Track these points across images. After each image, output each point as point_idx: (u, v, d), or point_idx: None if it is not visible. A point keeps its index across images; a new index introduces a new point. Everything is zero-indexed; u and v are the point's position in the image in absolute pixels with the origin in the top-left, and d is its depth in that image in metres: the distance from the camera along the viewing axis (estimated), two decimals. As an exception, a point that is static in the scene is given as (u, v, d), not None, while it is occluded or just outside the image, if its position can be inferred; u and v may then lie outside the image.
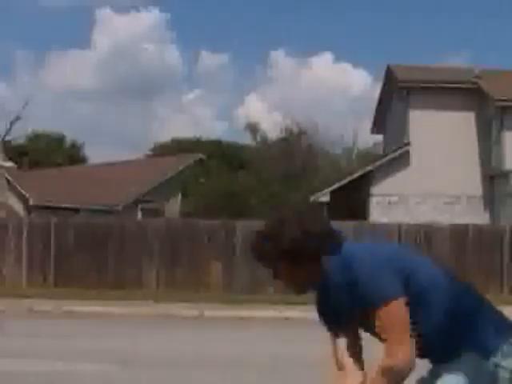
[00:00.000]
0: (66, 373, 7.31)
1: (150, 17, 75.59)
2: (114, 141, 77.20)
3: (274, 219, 2.56)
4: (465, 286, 2.71)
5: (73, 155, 47.98)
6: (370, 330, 2.52)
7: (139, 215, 27.24)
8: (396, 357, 2.39)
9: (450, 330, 2.52)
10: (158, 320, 12.20)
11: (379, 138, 29.93)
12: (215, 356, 8.40)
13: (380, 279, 2.41)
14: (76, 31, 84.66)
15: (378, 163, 21.96)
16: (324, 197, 21.12)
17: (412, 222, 17.00)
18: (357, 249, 2.56)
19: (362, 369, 2.64)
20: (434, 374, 2.58)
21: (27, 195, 28.46)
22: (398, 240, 16.07)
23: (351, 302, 2.49)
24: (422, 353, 2.51)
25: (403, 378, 2.43)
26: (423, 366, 2.63)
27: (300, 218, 2.53)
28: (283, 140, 35.06)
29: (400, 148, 21.89)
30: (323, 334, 2.77)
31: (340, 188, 20.98)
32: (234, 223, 16.03)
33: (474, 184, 21.34)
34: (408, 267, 2.52)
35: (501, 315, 2.67)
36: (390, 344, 2.41)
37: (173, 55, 78.20)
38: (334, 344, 2.67)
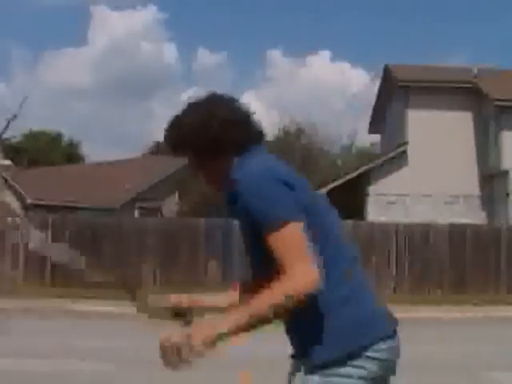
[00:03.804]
0: (63, 372, 7.28)
1: (148, 15, 75.66)
2: (112, 139, 77.23)
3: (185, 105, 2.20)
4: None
5: (70, 154, 47.95)
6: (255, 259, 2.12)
7: (137, 214, 27.22)
8: (293, 274, 1.87)
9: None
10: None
11: (377, 137, 29.95)
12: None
13: (271, 197, 1.95)
14: (73, 29, 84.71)
15: (375, 162, 21.96)
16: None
17: (409, 222, 17.00)
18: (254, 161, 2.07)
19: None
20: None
21: (25, 194, 28.40)
22: (395, 239, 16.09)
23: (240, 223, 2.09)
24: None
25: (288, 306, 1.90)
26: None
27: (211, 102, 2.16)
28: (281, 139, 35.04)
29: (398, 147, 21.90)
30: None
31: (338, 187, 20.97)
32: (230, 222, 16.00)
33: (471, 184, 21.35)
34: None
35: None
36: (285, 262, 1.90)
37: (171, 53, 78.30)
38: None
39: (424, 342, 9.50)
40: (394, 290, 15.80)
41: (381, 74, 24.65)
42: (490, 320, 12.66)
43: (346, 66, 77.29)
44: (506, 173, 20.12)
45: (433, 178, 20.71)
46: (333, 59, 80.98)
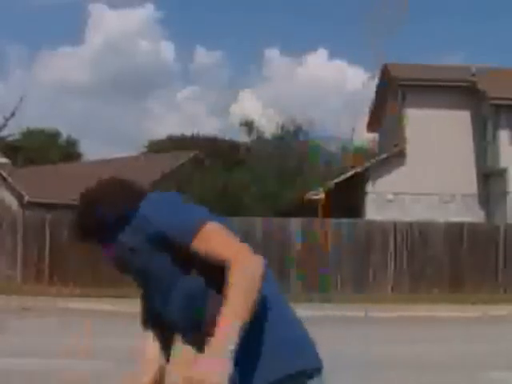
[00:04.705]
0: (61, 370, 7.27)
1: (146, 13, 75.57)
2: (109, 138, 77.13)
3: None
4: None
5: (68, 152, 47.88)
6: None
7: (134, 212, 27.13)
8: (242, 257, 1.79)
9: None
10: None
11: (375, 135, 29.93)
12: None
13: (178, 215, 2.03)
14: (70, 28, 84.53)
15: (373, 161, 21.96)
16: (319, 195, 21.13)
17: (407, 220, 16.99)
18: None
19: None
20: None
21: (22, 192, 28.36)
22: (393, 238, 16.09)
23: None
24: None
25: (257, 287, 1.74)
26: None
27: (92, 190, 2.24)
28: (279, 138, 35.04)
29: (395, 146, 21.90)
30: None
31: (336, 186, 20.96)
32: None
33: (469, 182, 21.36)
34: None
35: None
36: (227, 254, 1.82)
37: (168, 52, 78.17)
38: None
39: (422, 341, 9.51)
40: (392, 289, 15.81)
41: (379, 72, 24.65)
42: (487, 319, 12.66)
43: (343, 64, 77.26)
44: (504, 171, 20.14)
45: (431, 177, 20.71)
46: (330, 58, 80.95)
